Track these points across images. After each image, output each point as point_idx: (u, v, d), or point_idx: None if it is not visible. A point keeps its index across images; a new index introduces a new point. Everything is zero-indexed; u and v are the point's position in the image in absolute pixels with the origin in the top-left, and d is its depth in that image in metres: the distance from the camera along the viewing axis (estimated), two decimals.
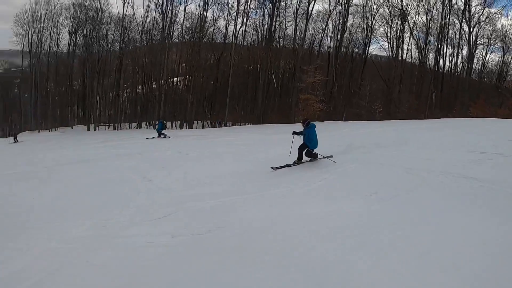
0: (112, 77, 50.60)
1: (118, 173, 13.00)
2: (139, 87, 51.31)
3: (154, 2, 46.73)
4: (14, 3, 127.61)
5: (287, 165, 11.51)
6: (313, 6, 43.74)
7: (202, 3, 47.36)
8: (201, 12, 47.05)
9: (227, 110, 42.94)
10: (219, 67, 47.50)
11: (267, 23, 45.86)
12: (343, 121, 34.31)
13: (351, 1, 44.40)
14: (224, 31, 48.50)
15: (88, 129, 46.25)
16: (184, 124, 45.40)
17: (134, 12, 59.95)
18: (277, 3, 45.21)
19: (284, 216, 7.05)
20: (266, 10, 46.22)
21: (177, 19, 47.22)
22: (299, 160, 11.70)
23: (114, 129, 45.88)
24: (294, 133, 11.75)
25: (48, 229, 7.37)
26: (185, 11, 47.71)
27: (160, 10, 46.38)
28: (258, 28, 46.55)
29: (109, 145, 24.33)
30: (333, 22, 45.76)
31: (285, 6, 45.94)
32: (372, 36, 47.30)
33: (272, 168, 11.34)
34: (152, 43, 48.72)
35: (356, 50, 48.04)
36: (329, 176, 9.75)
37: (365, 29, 46.62)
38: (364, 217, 6.61)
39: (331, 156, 11.59)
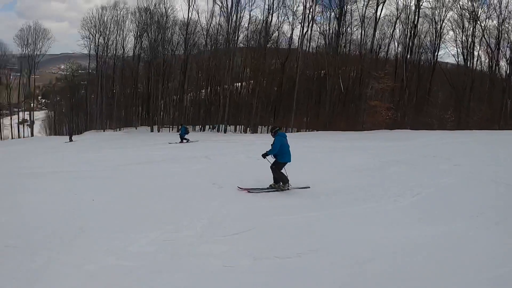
0: (176, 80, 51.72)
1: (185, 177, 12.26)
2: (203, 91, 51.98)
3: (219, 5, 47.41)
4: (82, 9, 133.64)
5: (261, 189, 9.95)
6: (382, 9, 42.50)
7: (266, 7, 47.42)
8: (266, 16, 47.26)
9: (293, 116, 42.66)
10: (284, 72, 47.33)
11: (334, 27, 45.31)
12: (414, 130, 33.12)
13: (421, 4, 42.80)
14: (289, 35, 48.43)
15: (152, 130, 47.40)
16: (248, 129, 45.50)
17: (198, 16, 60.99)
18: (344, 7, 44.47)
19: (386, 240, 6.15)
20: (332, 14, 45.71)
21: (242, 24, 47.71)
22: (285, 184, 9.89)
23: (178, 131, 46.40)
24: (264, 155, 10.03)
25: (106, 240, 6.44)
26: (250, 15, 48.00)
27: (224, 14, 46.88)
28: (325, 32, 46.02)
29: (173, 146, 24.68)
30: (402, 26, 44.62)
31: (351, 10, 45.23)
32: (441, 41, 45.28)
33: (239, 188, 10.03)
34: (217, 47, 49.25)
35: (423, 57, 46.41)
36: (422, 191, 9.06)
37: (433, 33, 44.76)
38: (477, 244, 5.85)
39: (308, 187, 9.97)
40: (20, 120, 59.78)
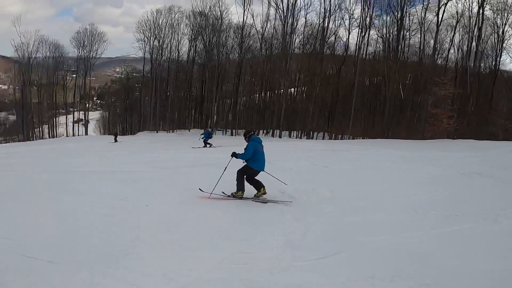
0: (230, 84, 52.52)
1: (247, 183, 10.72)
2: (257, 95, 52.47)
3: (273, 7, 47.63)
4: (137, 14, 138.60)
5: (225, 194, 9.26)
6: (443, 12, 41.06)
7: (322, 10, 47.24)
8: (322, 20, 47.06)
9: (351, 123, 42.18)
10: (340, 77, 47.08)
11: (395, 32, 44.48)
12: (478, 140, 31.63)
13: (484, 4, 40.98)
14: (345, 39, 48.03)
15: None
16: (302, 134, 45.39)
17: (253, 20, 61.41)
18: (404, 11, 43.61)
19: None
20: (390, 18, 44.93)
21: (298, 27, 47.86)
22: (239, 191, 9.12)
23: (231, 134, 47.10)
24: (234, 155, 9.26)
25: (163, 259, 5.30)
26: (306, 18, 47.90)
27: (281, 18, 47.04)
28: (384, 36, 45.33)
29: (230, 150, 24.27)
30: (463, 30, 43.40)
31: (409, 14, 44.31)
32: (503, 47, 43.46)
33: (200, 189, 9.35)
34: (271, 51, 49.65)
35: (483, 63, 44.74)
36: None
37: (495, 38, 43.18)
38: None
39: (290, 202, 8.89)
40: (75, 119, 62.05)
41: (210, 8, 50.32)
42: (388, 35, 45.18)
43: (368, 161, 16.93)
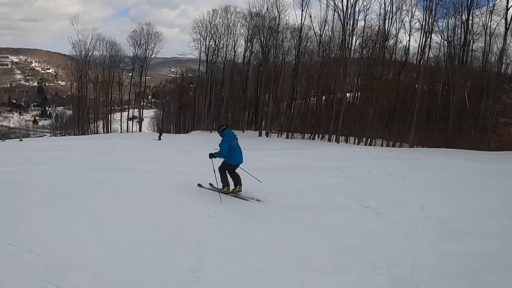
0: (285, 86, 52.18)
1: (320, 194, 9.58)
2: (313, 98, 51.55)
3: (332, 8, 46.45)
4: (192, 16, 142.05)
5: (214, 188, 9.50)
6: None
7: (382, 11, 45.65)
8: (382, 23, 45.56)
9: (413, 130, 40.78)
10: (399, 82, 45.57)
11: (458, 35, 42.28)
12: None
13: None
14: (405, 43, 46.27)
15: (259, 135, 47.54)
16: (359, 140, 43.86)
17: (311, 21, 60.37)
18: (471, 13, 41.08)
19: None
20: (453, 21, 42.54)
21: (356, 31, 46.67)
22: (225, 187, 9.09)
23: (287, 137, 46.45)
24: (211, 155, 8.88)
25: None
26: (365, 20, 46.43)
27: (340, 18, 45.67)
28: (449, 38, 43.09)
29: (290, 153, 22.73)
30: None
31: (473, 16, 41.68)
32: None
33: (200, 185, 9.70)
34: (329, 54, 48.81)
35: None
36: None
37: None
38: None
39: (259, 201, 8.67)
40: (130, 117, 63.25)
41: (267, 8, 49.84)
42: (451, 38, 42.88)
43: (445, 172, 14.92)
